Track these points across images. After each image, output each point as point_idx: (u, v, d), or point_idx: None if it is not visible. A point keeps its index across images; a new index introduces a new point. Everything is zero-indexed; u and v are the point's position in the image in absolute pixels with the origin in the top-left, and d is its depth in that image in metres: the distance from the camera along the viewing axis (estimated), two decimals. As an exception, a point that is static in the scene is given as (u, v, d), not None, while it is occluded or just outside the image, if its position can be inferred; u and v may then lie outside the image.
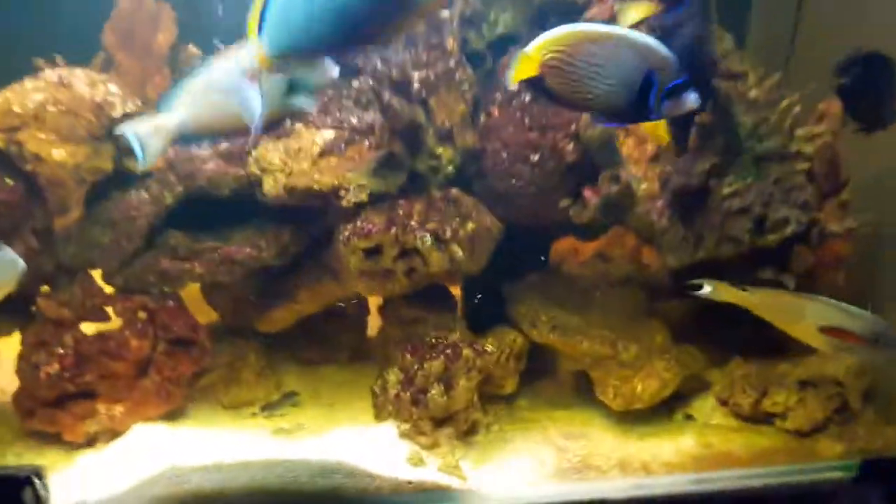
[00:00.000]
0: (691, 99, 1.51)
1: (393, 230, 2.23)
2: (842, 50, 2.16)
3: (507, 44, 2.42)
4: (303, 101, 1.72)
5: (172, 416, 2.45)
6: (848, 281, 2.37)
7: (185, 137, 1.74)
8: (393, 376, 2.32)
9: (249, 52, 1.45)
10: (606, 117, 1.60)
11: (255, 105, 1.59)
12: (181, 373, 2.39)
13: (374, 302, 2.74)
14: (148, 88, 2.82)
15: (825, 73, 2.22)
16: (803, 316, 1.90)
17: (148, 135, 1.70)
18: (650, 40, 1.49)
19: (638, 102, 1.49)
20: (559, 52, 1.50)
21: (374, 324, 2.83)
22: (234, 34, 2.36)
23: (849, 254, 2.35)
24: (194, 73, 1.71)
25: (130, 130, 1.70)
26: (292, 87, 1.69)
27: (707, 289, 1.99)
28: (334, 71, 1.63)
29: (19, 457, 2.33)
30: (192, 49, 2.84)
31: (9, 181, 2.18)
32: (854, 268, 2.40)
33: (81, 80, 2.18)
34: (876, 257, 2.49)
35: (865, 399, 2.36)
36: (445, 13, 2.33)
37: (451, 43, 2.31)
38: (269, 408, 2.55)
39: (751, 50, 2.74)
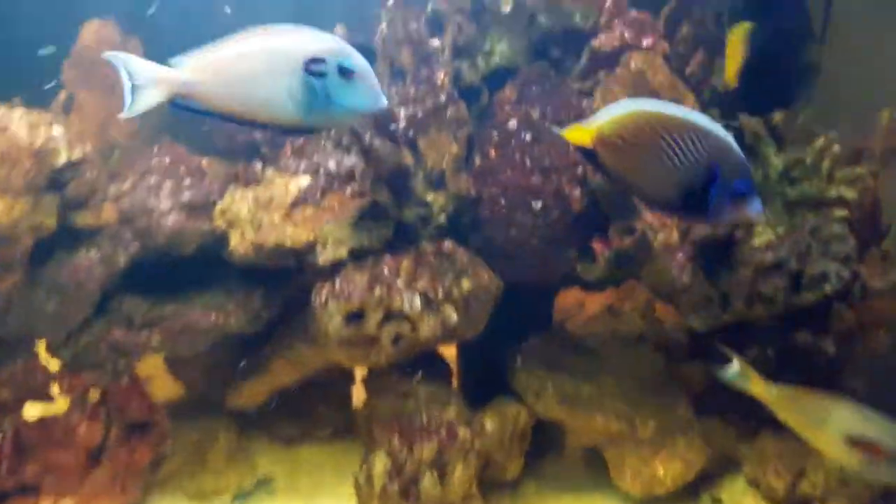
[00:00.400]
0: (755, 208, 1.35)
1: (377, 291, 1.95)
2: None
3: (504, 76, 2.17)
4: (347, 117, 1.43)
5: (130, 509, 2.14)
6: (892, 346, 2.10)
7: (183, 104, 1.36)
8: (379, 464, 2.01)
9: (313, 38, 1.32)
10: (658, 207, 1.45)
11: (306, 99, 1.33)
12: (138, 461, 2.08)
13: (358, 370, 2.44)
14: (112, 129, 2.57)
15: (856, 103, 1.99)
16: (827, 421, 1.61)
17: (146, 80, 1.36)
18: (722, 132, 1.33)
19: (695, 198, 1.34)
20: (620, 129, 1.35)
21: (359, 394, 2.54)
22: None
23: (894, 313, 2.07)
24: (225, 39, 1.39)
25: (124, 63, 1.37)
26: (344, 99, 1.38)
27: (734, 368, 1.73)
28: (383, 101, 1.40)
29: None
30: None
31: (-64, 241, 1.90)
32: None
33: (20, 123, 1.91)
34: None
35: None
36: (436, 42, 2.08)
37: (441, 76, 2.06)
38: (241, 497, 2.25)
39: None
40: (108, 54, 1.37)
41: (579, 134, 1.40)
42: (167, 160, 2.26)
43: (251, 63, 1.33)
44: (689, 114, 1.34)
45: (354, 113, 1.39)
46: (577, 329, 2.63)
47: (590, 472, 2.30)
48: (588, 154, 1.40)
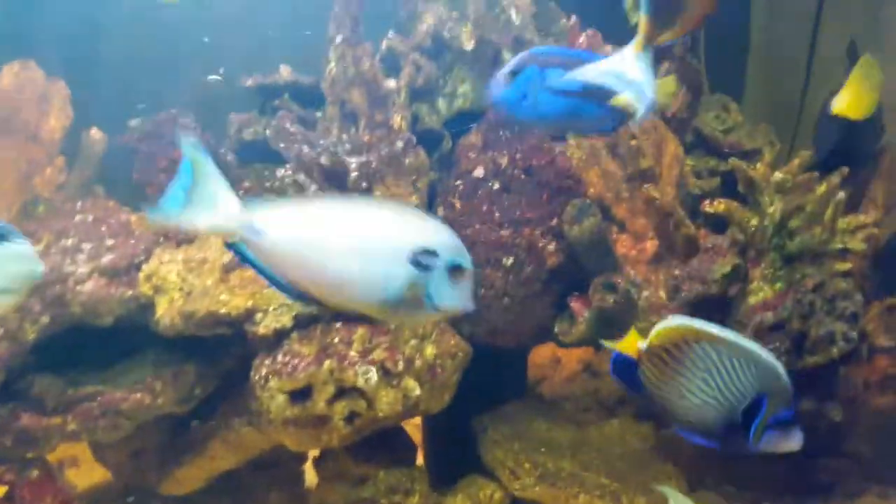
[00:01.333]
0: (797, 439, 1.32)
1: (326, 364, 1.70)
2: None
3: (466, 120, 1.96)
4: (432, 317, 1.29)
5: None
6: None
7: (241, 251, 1.10)
8: (333, 557, 1.74)
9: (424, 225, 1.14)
10: (693, 431, 1.38)
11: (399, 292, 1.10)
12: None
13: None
14: (36, 181, 2.31)
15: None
16: None
17: (207, 195, 1.04)
18: (773, 359, 1.29)
19: (737, 426, 1.31)
20: (667, 343, 1.32)
21: (311, 476, 2.28)
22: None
23: (900, 372, 1.89)
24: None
25: (193, 158, 1.06)
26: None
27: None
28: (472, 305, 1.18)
29: None
30: (96, 133, 2.36)
31: None
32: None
33: None
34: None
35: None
36: (392, 83, 1.86)
37: (398, 120, 1.84)
38: None
39: (748, 114, 2.33)
40: (185, 140, 1.09)
41: (627, 343, 1.37)
42: (90, 218, 2.01)
43: (345, 234, 1.10)
44: (739, 338, 1.32)
45: (444, 314, 1.20)
46: (554, 392, 2.42)
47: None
48: (628, 367, 1.36)
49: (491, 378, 2.10)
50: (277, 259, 1.09)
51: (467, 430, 2.10)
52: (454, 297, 1.13)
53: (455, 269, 1.12)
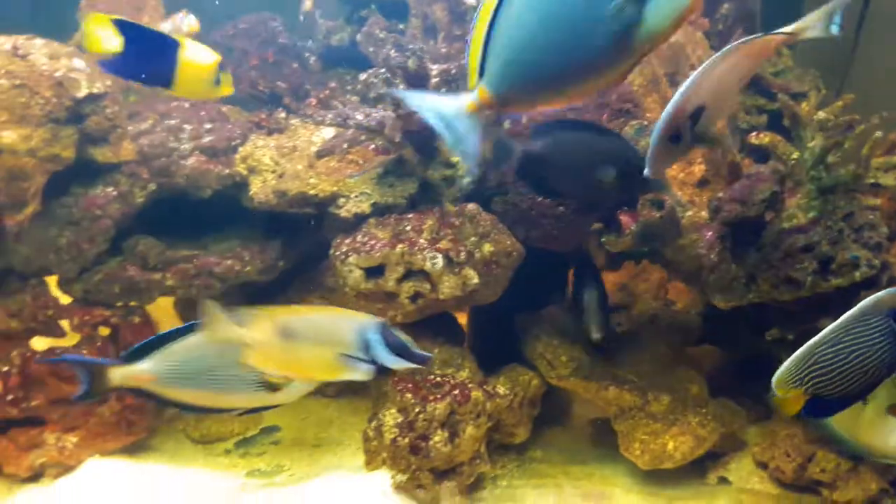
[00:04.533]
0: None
1: (399, 248, 1.91)
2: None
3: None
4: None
5: (133, 449, 2.13)
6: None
7: None
8: (390, 418, 1.99)
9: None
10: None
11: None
12: (145, 400, 2.05)
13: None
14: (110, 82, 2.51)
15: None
16: None
17: None
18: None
19: None
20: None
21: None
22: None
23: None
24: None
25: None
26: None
27: None
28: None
29: (-51, 490, 2.01)
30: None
31: (-49, 168, 1.85)
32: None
33: (41, 52, 1.85)
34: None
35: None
36: (472, 0, 2.02)
37: (477, 35, 2.00)
38: (244, 444, 2.23)
39: (799, 59, 2.44)
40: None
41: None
42: (186, 104, 2.22)
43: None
44: None
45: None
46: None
47: (597, 443, 2.29)
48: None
49: (536, 282, 2.29)
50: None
51: (510, 327, 2.31)
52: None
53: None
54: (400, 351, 1.47)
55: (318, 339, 1.45)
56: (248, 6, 2.34)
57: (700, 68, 1.46)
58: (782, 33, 1.47)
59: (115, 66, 1.60)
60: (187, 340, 1.48)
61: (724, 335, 2.40)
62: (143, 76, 1.69)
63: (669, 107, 1.44)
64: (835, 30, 1.47)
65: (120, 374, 1.50)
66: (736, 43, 1.46)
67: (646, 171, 1.50)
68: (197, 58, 1.60)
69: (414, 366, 1.49)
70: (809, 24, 1.46)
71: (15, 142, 1.79)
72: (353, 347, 1.44)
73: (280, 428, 2.33)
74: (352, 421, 2.36)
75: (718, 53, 1.44)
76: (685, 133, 1.45)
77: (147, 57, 1.57)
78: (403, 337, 1.49)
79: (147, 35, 1.60)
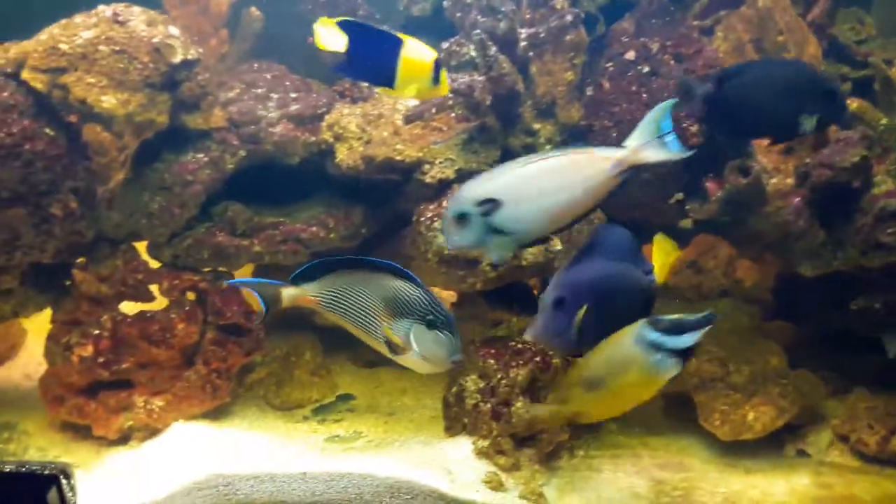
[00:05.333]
0: None
1: (484, 214, 1.92)
2: None
3: (621, 8, 2.11)
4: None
5: (216, 414, 2.16)
6: None
7: None
8: (471, 384, 2.00)
9: None
10: None
11: None
12: (231, 365, 2.09)
13: (445, 298, 2.43)
14: (203, 50, 2.55)
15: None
16: None
17: None
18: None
19: None
20: None
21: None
22: None
23: None
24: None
25: None
26: None
27: None
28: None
29: (42, 452, 2.06)
30: (255, 11, 2.57)
31: (49, 131, 1.90)
32: None
33: (138, 18, 1.89)
34: None
35: None
36: (558, -33, 2.03)
37: (560, 1, 2.00)
38: (322, 411, 2.26)
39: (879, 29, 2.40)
40: None
41: None
42: (268, 75, 2.25)
43: None
44: None
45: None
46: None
47: (673, 415, 2.27)
48: None
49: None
50: None
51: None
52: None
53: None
54: (679, 329, 1.43)
55: (619, 371, 1.45)
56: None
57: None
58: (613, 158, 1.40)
59: (343, 67, 1.60)
60: (353, 275, 1.48)
61: (800, 309, 2.37)
62: (369, 76, 1.69)
63: None
64: (672, 149, 1.40)
65: (290, 295, 1.50)
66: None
67: None
68: (418, 55, 1.56)
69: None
70: (641, 145, 1.40)
71: (114, 106, 1.83)
72: (650, 354, 1.43)
73: (355, 396, 2.35)
74: (423, 390, 2.38)
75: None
76: None
77: (371, 56, 1.55)
78: (667, 318, 1.46)
79: (370, 33, 1.60)
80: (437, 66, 1.56)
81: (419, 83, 1.57)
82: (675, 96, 1.61)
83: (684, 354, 1.45)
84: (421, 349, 1.45)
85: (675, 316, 1.46)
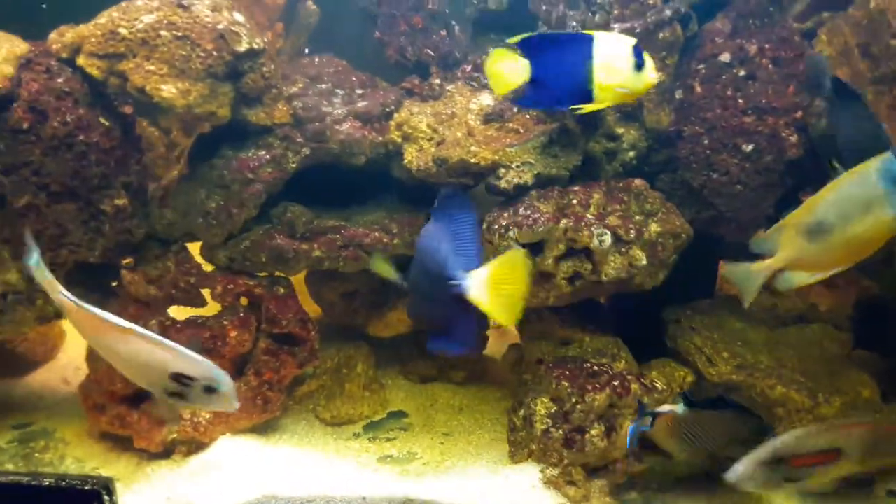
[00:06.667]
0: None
1: (563, 222, 1.78)
2: None
3: (714, 7, 1.96)
4: None
5: (264, 428, 2.03)
6: None
7: None
8: (542, 407, 1.86)
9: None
10: None
11: None
12: (283, 377, 1.96)
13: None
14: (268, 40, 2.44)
15: None
16: None
17: None
18: None
19: None
20: None
21: (492, 341, 2.40)
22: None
23: None
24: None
25: None
26: None
27: None
28: None
29: (80, 463, 1.95)
30: (311, 5, 2.46)
31: (104, 121, 1.77)
32: None
33: (203, 3, 1.76)
34: None
35: None
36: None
37: (654, -4, 1.86)
38: (373, 428, 2.12)
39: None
40: None
41: None
42: (331, 70, 2.12)
43: None
44: None
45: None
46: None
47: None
48: None
49: (691, 269, 2.13)
50: None
51: (651, 316, 2.16)
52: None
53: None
54: None
55: (855, 215, 1.29)
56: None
57: None
58: None
59: (528, 99, 1.49)
60: None
61: (887, 337, 2.21)
62: (562, 99, 1.52)
63: None
64: None
65: None
66: None
67: None
68: (613, 48, 1.41)
69: None
70: None
71: (174, 96, 1.70)
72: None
73: (407, 414, 2.22)
74: (482, 409, 2.24)
75: None
76: None
77: (559, 74, 1.37)
78: None
79: (556, 43, 1.43)
80: (638, 51, 1.40)
81: (621, 84, 1.39)
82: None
83: None
84: None
85: None
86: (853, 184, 1.29)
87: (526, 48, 1.40)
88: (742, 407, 1.64)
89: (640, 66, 1.38)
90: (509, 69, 1.43)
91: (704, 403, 1.60)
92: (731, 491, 1.96)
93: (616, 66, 1.39)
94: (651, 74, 1.45)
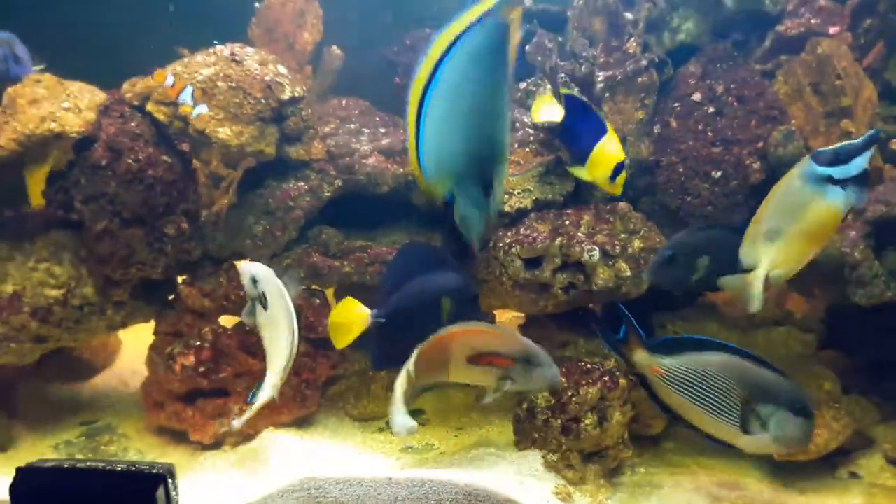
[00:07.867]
0: None
1: (558, 240, 2.08)
2: None
3: (687, 54, 2.28)
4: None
5: (301, 422, 2.32)
6: None
7: None
8: (542, 400, 2.14)
9: None
10: None
11: None
12: (319, 376, 2.26)
13: (513, 322, 2.58)
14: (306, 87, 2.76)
15: None
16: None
17: None
18: None
19: None
20: None
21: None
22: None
23: None
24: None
25: None
26: None
27: None
28: None
29: (141, 454, 2.23)
30: (336, 50, 2.78)
31: (167, 158, 2.10)
32: None
33: (252, 58, 2.09)
34: None
35: None
36: (629, 15, 2.20)
37: (633, 46, 2.18)
38: (395, 424, 2.40)
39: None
40: None
41: None
42: (356, 111, 2.44)
43: None
44: None
45: None
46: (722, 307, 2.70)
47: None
48: None
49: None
50: None
51: (643, 322, 2.43)
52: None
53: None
54: (844, 157, 1.43)
55: (795, 214, 1.53)
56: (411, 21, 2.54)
57: None
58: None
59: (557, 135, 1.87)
60: (709, 357, 1.64)
61: (852, 338, 2.47)
62: (571, 149, 1.94)
63: None
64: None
65: (641, 358, 1.73)
66: None
67: None
68: (611, 150, 1.84)
69: None
70: None
71: (229, 137, 2.03)
72: (822, 188, 1.44)
73: (425, 411, 2.50)
74: (489, 408, 2.50)
75: None
76: None
77: (578, 135, 1.82)
78: (828, 150, 1.45)
79: (587, 112, 1.85)
80: (620, 167, 1.82)
81: (602, 174, 1.84)
82: None
83: (860, 181, 1.42)
84: (780, 433, 1.57)
85: (834, 146, 1.43)
86: (785, 193, 1.53)
87: (568, 101, 1.75)
88: None
89: (614, 177, 1.76)
90: (548, 110, 1.77)
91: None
92: (721, 473, 2.25)
93: (601, 161, 1.77)
94: (619, 188, 1.92)
